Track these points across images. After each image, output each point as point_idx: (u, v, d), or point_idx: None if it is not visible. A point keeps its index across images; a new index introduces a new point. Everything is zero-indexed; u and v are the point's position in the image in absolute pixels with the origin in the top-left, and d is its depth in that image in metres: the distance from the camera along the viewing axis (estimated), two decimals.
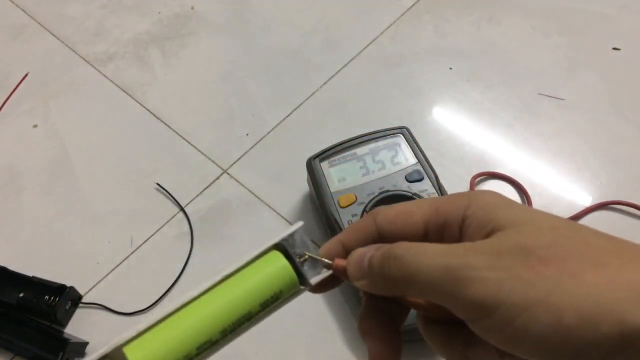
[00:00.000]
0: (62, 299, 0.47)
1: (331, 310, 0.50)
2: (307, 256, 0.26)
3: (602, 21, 0.68)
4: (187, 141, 0.60)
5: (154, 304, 0.50)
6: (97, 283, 0.51)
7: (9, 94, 0.63)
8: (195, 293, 0.24)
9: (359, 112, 0.61)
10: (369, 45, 0.67)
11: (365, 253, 0.25)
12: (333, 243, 0.27)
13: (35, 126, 0.61)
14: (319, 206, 0.52)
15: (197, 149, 0.59)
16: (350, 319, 0.49)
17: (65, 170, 0.58)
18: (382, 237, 0.26)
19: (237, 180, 0.57)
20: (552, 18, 0.69)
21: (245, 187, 0.57)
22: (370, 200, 0.48)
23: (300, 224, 0.27)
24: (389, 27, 0.69)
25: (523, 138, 0.59)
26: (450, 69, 0.65)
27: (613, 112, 0.61)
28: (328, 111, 0.61)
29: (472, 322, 0.21)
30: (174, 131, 0.61)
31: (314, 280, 0.26)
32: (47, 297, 0.47)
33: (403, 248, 0.23)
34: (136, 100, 0.63)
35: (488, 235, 0.22)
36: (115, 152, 0.59)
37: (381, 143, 0.51)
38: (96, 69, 0.66)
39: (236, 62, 0.66)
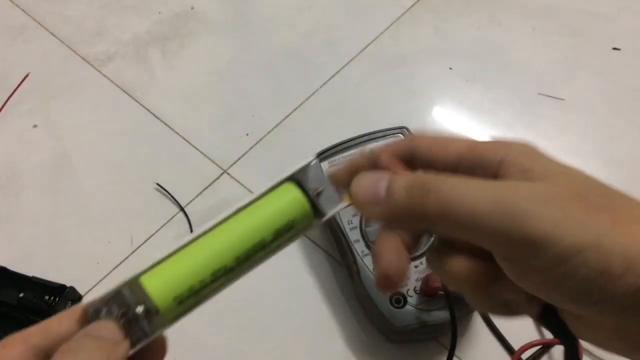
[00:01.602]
0: (62, 299, 0.47)
1: (331, 310, 0.50)
2: (321, 189, 0.25)
3: (602, 21, 0.68)
4: (187, 141, 0.60)
5: None
6: (97, 283, 0.51)
7: (9, 94, 0.63)
8: (209, 225, 0.24)
9: (359, 112, 0.61)
10: (369, 45, 0.67)
11: (379, 179, 0.23)
12: (357, 159, 0.25)
13: (35, 126, 0.61)
14: None
15: (197, 149, 0.59)
16: (350, 318, 0.49)
17: (65, 170, 0.58)
18: (414, 161, 0.24)
19: (237, 181, 0.57)
20: (552, 18, 0.69)
21: (245, 187, 0.57)
22: None
23: (314, 158, 0.26)
24: (389, 27, 0.68)
25: (523, 138, 0.59)
26: (450, 69, 0.65)
27: (613, 112, 0.61)
28: (328, 111, 0.61)
29: (516, 261, 0.20)
30: (174, 131, 0.61)
31: (329, 211, 0.25)
32: (47, 297, 0.47)
33: (439, 179, 0.21)
34: (136, 100, 0.63)
35: (529, 175, 0.21)
36: (115, 152, 0.59)
37: (381, 143, 0.51)
38: (96, 69, 0.66)
39: (236, 62, 0.66)
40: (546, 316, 0.24)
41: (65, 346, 0.21)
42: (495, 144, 0.24)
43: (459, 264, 0.24)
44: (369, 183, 0.23)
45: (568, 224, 0.19)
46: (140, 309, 0.22)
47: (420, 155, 0.25)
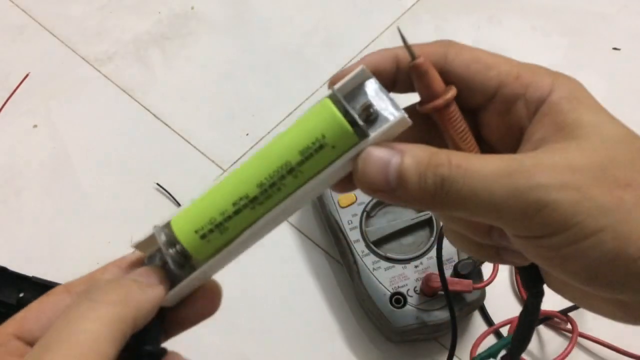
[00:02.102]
0: None
1: (331, 310, 0.50)
2: (370, 103, 0.21)
3: (602, 21, 0.68)
4: (187, 141, 0.60)
5: None
6: None
7: (9, 94, 0.63)
8: (242, 162, 0.22)
9: None
10: (369, 45, 0.67)
11: (389, 159, 0.20)
12: (385, 53, 0.23)
13: (35, 126, 0.61)
14: (319, 206, 0.52)
15: (197, 149, 0.59)
16: (350, 318, 0.49)
17: (65, 171, 0.58)
18: (444, 75, 0.23)
19: None
20: (552, 18, 0.69)
21: None
22: (371, 200, 0.48)
23: (362, 70, 0.22)
24: (389, 27, 0.68)
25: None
26: None
27: (613, 112, 0.61)
28: None
29: (529, 240, 0.20)
30: (174, 131, 0.61)
31: (379, 129, 0.21)
32: None
33: (453, 167, 0.20)
34: (136, 100, 0.63)
35: (562, 133, 0.20)
36: (115, 152, 0.59)
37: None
38: (96, 69, 0.66)
39: (236, 62, 0.66)
40: (528, 269, 0.25)
41: (87, 289, 0.21)
42: (543, 77, 0.22)
43: None
44: (377, 160, 0.21)
45: (585, 208, 0.19)
46: (172, 250, 0.22)
47: (455, 70, 0.23)
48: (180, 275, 0.22)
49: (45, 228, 0.54)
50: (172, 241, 0.22)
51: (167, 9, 0.71)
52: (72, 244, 0.53)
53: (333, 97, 0.21)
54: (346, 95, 0.21)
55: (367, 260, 0.46)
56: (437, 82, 0.22)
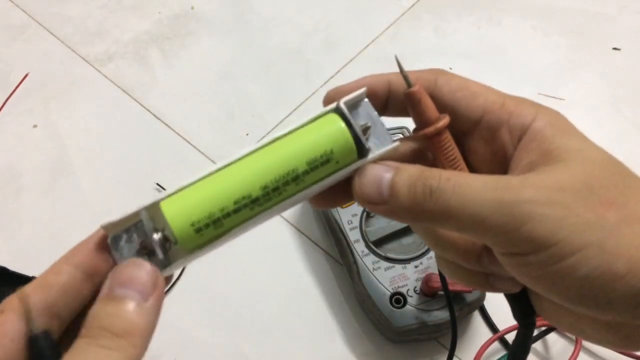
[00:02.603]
0: None
1: (331, 310, 0.50)
2: (369, 125, 0.23)
3: (602, 21, 0.68)
4: (187, 141, 0.60)
5: None
6: None
7: (9, 94, 0.63)
8: (240, 153, 0.22)
9: None
10: (369, 45, 0.67)
11: (383, 174, 0.22)
12: (379, 78, 0.24)
13: (35, 126, 0.61)
14: None
15: (197, 149, 0.59)
16: (350, 318, 0.49)
17: (65, 171, 0.58)
18: (433, 101, 0.24)
19: None
20: (552, 18, 0.69)
21: None
22: None
23: (364, 92, 0.23)
24: (389, 27, 0.68)
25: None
26: (450, 69, 0.65)
27: (613, 112, 0.61)
28: None
29: (513, 256, 0.20)
30: (174, 131, 0.61)
31: (377, 151, 0.22)
32: None
33: (442, 179, 0.21)
34: (136, 100, 0.63)
35: (548, 157, 0.21)
36: (115, 152, 0.59)
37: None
38: (96, 69, 0.66)
39: (236, 62, 0.66)
40: (518, 299, 0.25)
41: (88, 329, 0.20)
42: (526, 107, 0.23)
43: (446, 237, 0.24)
44: (373, 177, 0.22)
45: (570, 223, 0.19)
46: (157, 236, 0.21)
47: (443, 96, 0.24)
48: (159, 262, 0.22)
49: (45, 228, 0.54)
50: (160, 227, 0.21)
51: (167, 9, 0.71)
52: (72, 244, 0.53)
53: (339, 113, 0.22)
54: (351, 112, 0.23)
55: (367, 260, 0.46)
56: (430, 110, 0.23)
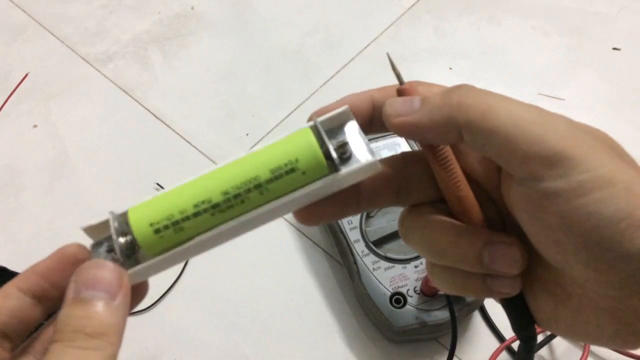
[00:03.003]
0: None
1: (331, 310, 0.50)
2: (346, 141, 0.22)
3: (602, 21, 0.68)
4: (187, 141, 0.60)
5: (153, 304, 0.50)
6: None
7: (9, 94, 0.63)
8: (210, 168, 0.22)
9: None
10: (369, 45, 0.67)
11: (412, 97, 0.22)
12: (362, 95, 0.24)
13: (35, 126, 0.61)
14: None
15: (197, 149, 0.59)
16: (350, 318, 0.49)
17: (65, 170, 0.58)
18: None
19: None
20: (552, 18, 0.69)
21: None
22: None
23: (346, 110, 0.23)
24: (389, 27, 0.69)
25: None
26: (450, 69, 0.65)
27: (613, 112, 0.61)
28: None
29: (539, 179, 0.19)
30: (174, 131, 0.61)
31: (348, 168, 0.22)
32: None
33: (479, 88, 0.21)
34: (136, 100, 0.63)
35: None
36: (115, 152, 0.59)
37: (381, 143, 0.51)
38: (96, 69, 0.66)
39: (236, 62, 0.66)
40: (516, 308, 0.24)
41: (61, 333, 0.20)
42: None
43: (445, 220, 0.23)
44: (403, 98, 0.22)
45: (603, 158, 0.19)
46: (123, 239, 0.21)
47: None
48: (123, 266, 0.22)
49: (45, 228, 0.54)
50: (125, 230, 0.22)
51: (167, 9, 0.71)
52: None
53: (313, 128, 0.22)
54: (327, 130, 0.22)
55: (367, 260, 0.46)
56: None
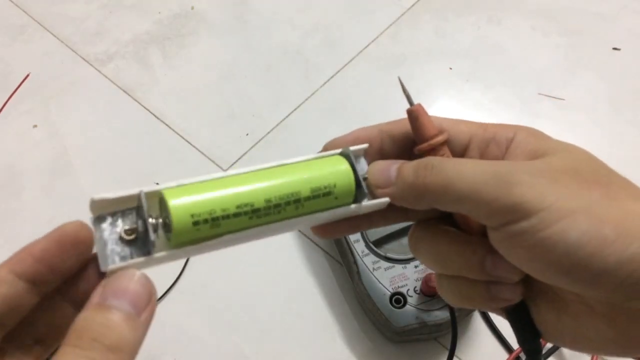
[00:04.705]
0: None
1: (331, 310, 0.50)
2: (366, 176, 0.25)
3: (602, 21, 0.68)
4: (187, 141, 0.60)
5: None
6: None
7: (9, 94, 0.63)
8: (250, 168, 0.23)
9: (359, 112, 0.61)
10: (369, 45, 0.67)
11: (390, 164, 0.25)
12: (370, 130, 0.27)
13: (35, 126, 0.61)
14: None
15: (197, 149, 0.59)
16: (350, 318, 0.49)
17: (65, 171, 0.58)
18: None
19: None
20: (552, 18, 0.69)
21: None
22: None
23: (365, 147, 0.26)
24: (389, 27, 0.69)
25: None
26: (450, 69, 0.65)
27: (613, 112, 0.61)
28: (328, 111, 0.61)
29: (506, 227, 0.21)
30: (174, 131, 0.61)
31: (370, 202, 0.25)
32: None
33: (443, 159, 0.23)
34: (136, 100, 0.63)
35: (534, 155, 0.23)
36: (115, 152, 0.59)
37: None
38: (96, 69, 0.66)
39: (236, 62, 0.66)
40: (520, 317, 0.25)
41: (75, 337, 0.19)
42: (506, 126, 0.25)
43: (451, 237, 0.25)
44: (381, 165, 0.25)
45: (559, 191, 0.20)
46: (153, 221, 0.21)
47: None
48: (134, 251, 0.21)
49: (45, 228, 0.54)
50: (154, 215, 0.21)
51: (167, 9, 0.71)
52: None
53: (346, 157, 0.25)
54: (355, 161, 0.25)
55: (367, 260, 0.46)
56: (428, 127, 0.25)
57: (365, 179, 0.25)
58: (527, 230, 0.20)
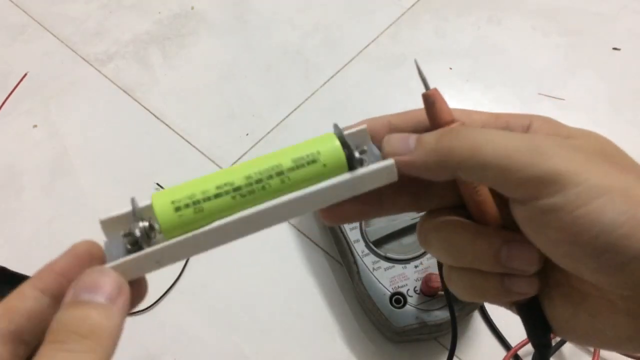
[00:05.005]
0: None
1: (331, 310, 0.50)
2: (364, 148, 0.23)
3: (602, 21, 0.68)
4: (187, 141, 0.60)
5: (153, 304, 0.50)
6: None
7: (8, 94, 0.63)
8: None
9: (359, 112, 0.61)
10: (369, 45, 0.67)
11: (408, 135, 0.23)
12: (379, 120, 0.25)
13: (35, 126, 0.61)
14: None
15: (197, 149, 0.59)
16: (350, 319, 0.49)
17: (65, 170, 0.58)
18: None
19: None
20: (552, 18, 0.69)
21: None
22: None
23: (365, 129, 0.24)
24: (389, 27, 0.68)
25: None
26: (450, 69, 0.65)
27: (613, 112, 0.61)
28: (328, 111, 0.61)
29: (536, 198, 0.20)
30: (174, 131, 0.61)
31: (366, 169, 0.22)
32: None
33: (469, 125, 0.22)
34: (136, 100, 0.63)
35: None
36: (115, 152, 0.59)
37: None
38: (96, 69, 0.66)
39: (236, 62, 0.66)
40: (533, 315, 0.24)
41: (53, 334, 0.19)
42: (519, 115, 0.24)
43: (466, 224, 0.23)
44: (400, 136, 0.23)
45: (594, 168, 0.19)
46: (143, 223, 0.21)
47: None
48: (140, 246, 0.22)
49: (45, 228, 0.54)
50: (145, 217, 0.22)
51: (167, 9, 0.71)
52: (72, 244, 0.53)
53: (336, 134, 0.23)
54: (348, 136, 0.23)
55: (367, 260, 0.46)
56: (445, 113, 0.23)
57: (363, 150, 0.23)
58: (561, 207, 0.19)
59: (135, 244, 0.21)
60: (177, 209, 0.21)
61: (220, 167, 0.58)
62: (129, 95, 0.64)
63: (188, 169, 0.58)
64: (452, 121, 0.23)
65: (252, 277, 0.51)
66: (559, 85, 0.63)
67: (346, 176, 0.22)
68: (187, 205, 0.21)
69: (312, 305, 0.50)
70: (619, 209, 0.18)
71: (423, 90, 0.24)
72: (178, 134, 0.60)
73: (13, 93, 0.63)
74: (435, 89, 0.24)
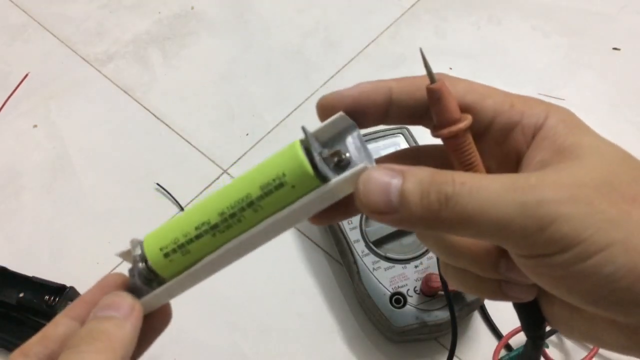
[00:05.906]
0: (62, 299, 0.47)
1: (331, 310, 0.50)
2: (338, 150, 0.21)
3: (602, 21, 0.68)
4: (187, 141, 0.60)
5: None
6: None
7: (9, 94, 0.63)
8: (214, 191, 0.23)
9: None
10: (369, 45, 0.67)
11: (389, 180, 0.20)
12: (379, 86, 0.23)
13: (35, 126, 0.61)
14: None
15: (197, 149, 0.59)
16: (350, 319, 0.49)
17: (65, 171, 0.58)
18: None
19: None
20: (552, 18, 0.69)
21: None
22: None
23: (340, 115, 0.22)
24: (389, 27, 0.68)
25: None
26: (450, 69, 0.65)
27: (613, 112, 0.61)
28: None
29: (536, 258, 0.19)
30: (174, 131, 0.61)
31: (339, 177, 0.20)
32: (47, 297, 0.47)
33: (457, 185, 0.19)
34: (136, 100, 0.63)
35: (562, 154, 0.21)
36: (115, 152, 0.59)
37: (381, 143, 0.51)
38: (96, 69, 0.66)
39: (236, 62, 0.66)
40: (528, 309, 0.24)
41: (70, 342, 0.22)
42: (537, 105, 0.22)
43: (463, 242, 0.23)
44: (378, 184, 0.20)
45: (595, 220, 0.18)
46: (141, 265, 0.23)
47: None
48: (146, 290, 0.24)
49: (45, 228, 0.54)
50: (144, 256, 0.23)
51: (167, 9, 0.71)
52: (72, 244, 0.53)
53: (304, 140, 0.21)
54: (327, 138, 0.22)
55: (367, 260, 0.46)
56: (451, 111, 0.21)
57: (335, 153, 0.21)
58: (560, 264, 0.19)
59: (146, 280, 0.24)
60: (166, 255, 0.23)
61: (221, 168, 0.58)
62: (129, 95, 0.64)
63: (188, 169, 0.58)
64: (459, 120, 0.21)
65: (252, 277, 0.51)
66: (559, 85, 0.63)
67: (318, 192, 0.21)
68: (174, 250, 0.23)
69: (312, 305, 0.50)
70: (618, 263, 0.18)
71: (427, 82, 0.22)
72: (178, 134, 0.60)
73: (13, 93, 0.63)
74: (442, 82, 0.21)
